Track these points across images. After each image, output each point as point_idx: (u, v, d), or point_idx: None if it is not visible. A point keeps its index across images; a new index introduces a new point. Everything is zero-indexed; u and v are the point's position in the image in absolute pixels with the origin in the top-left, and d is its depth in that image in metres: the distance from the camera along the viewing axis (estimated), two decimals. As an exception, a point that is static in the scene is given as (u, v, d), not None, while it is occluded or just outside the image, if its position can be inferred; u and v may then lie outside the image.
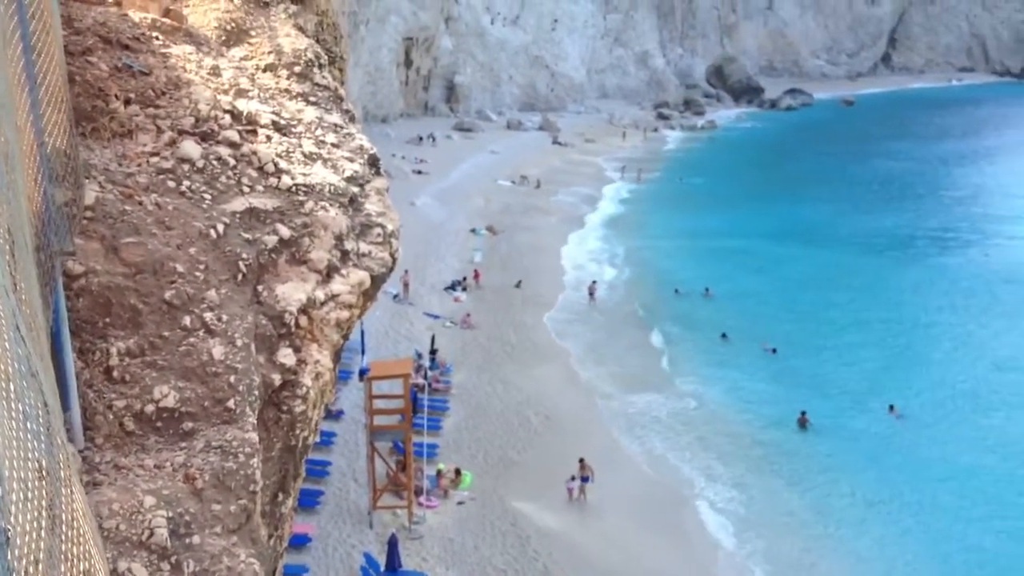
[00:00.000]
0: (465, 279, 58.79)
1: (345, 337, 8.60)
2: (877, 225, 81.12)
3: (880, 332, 53.68)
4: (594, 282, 60.29)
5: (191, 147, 8.39)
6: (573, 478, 33.57)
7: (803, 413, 40.83)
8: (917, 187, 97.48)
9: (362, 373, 29.47)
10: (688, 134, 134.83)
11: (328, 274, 8.37)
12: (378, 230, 9.14)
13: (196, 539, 5.84)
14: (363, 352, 29.16)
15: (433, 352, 44.89)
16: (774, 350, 49.38)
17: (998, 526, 32.98)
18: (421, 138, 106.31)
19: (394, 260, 9.14)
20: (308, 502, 29.54)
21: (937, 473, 36.83)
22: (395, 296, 52.21)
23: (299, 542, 27.41)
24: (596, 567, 29.24)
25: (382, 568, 27.60)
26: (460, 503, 32.53)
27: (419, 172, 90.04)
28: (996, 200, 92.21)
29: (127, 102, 8.76)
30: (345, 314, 8.31)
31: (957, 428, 41.05)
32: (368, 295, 8.75)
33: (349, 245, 8.70)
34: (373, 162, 9.97)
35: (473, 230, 72.83)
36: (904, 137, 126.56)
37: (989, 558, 31.10)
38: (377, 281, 8.84)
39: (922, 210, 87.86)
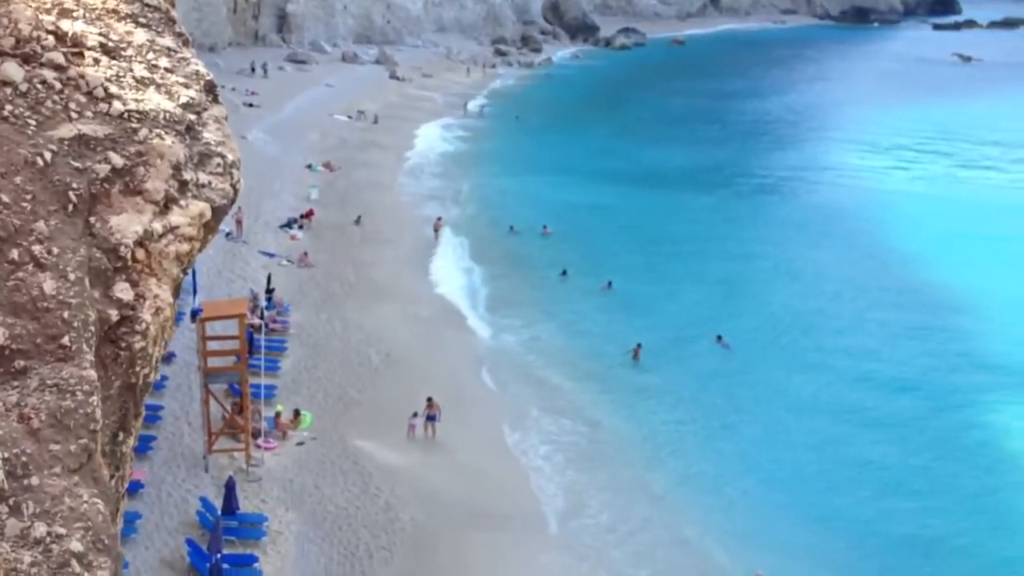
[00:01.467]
0: (302, 216, 57.54)
1: (185, 271, 8.29)
2: (709, 162, 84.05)
3: (711, 266, 55.99)
4: (439, 219, 60.14)
5: (13, 69, 7.78)
6: (415, 415, 33.72)
7: (637, 345, 42.29)
8: (745, 124, 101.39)
9: (194, 314, 28.50)
10: (525, 71, 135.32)
11: (166, 205, 7.99)
12: (218, 160, 8.78)
13: (35, 480, 5.55)
14: (195, 292, 28.22)
15: (269, 291, 43.90)
16: (610, 284, 50.79)
17: (816, 443, 35.22)
18: (253, 69, 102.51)
19: (235, 191, 8.82)
20: (139, 447, 28.58)
21: (761, 396, 39.05)
22: (228, 234, 50.56)
23: (131, 489, 26.52)
24: (440, 500, 29.63)
25: (219, 512, 27.11)
26: (300, 444, 32.21)
27: (251, 105, 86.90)
28: (824, 138, 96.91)
29: (-66, 18, 8.04)
30: (185, 247, 7.99)
31: (779, 354, 43.48)
32: (209, 227, 8.43)
33: (187, 175, 8.32)
34: (210, 89, 9.54)
35: (309, 166, 71.16)
36: (732, 76, 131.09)
37: (810, 472, 33.23)
38: (218, 213, 8.52)
39: (751, 147, 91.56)
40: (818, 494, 31.86)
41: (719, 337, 44.20)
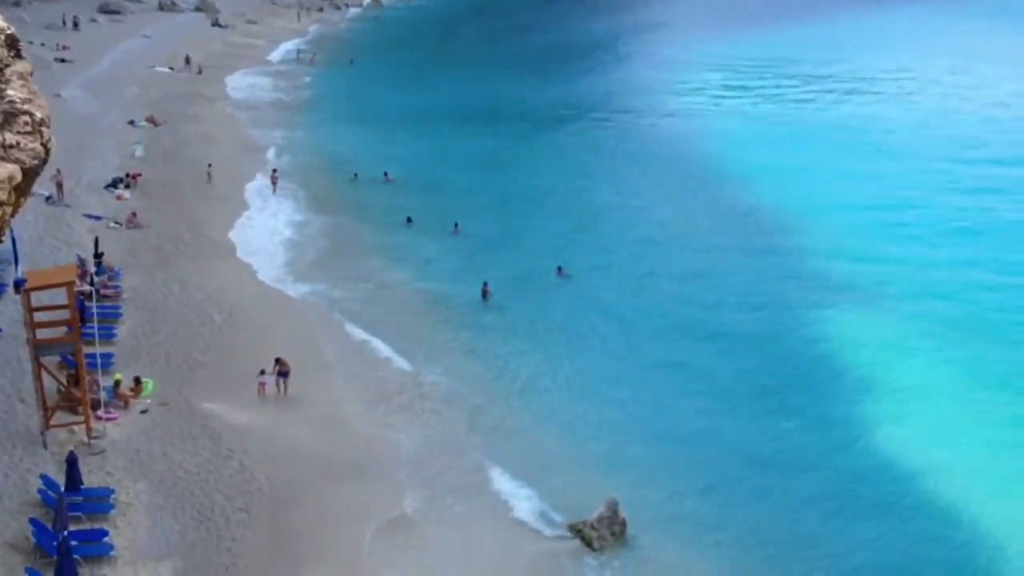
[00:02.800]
0: (128, 175, 54.86)
1: (0, 238, 7.73)
2: (545, 99, 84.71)
3: (552, 200, 56.80)
4: (275, 171, 58.46)
5: None
6: (263, 372, 32.98)
7: (485, 284, 42.62)
8: (580, 60, 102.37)
9: (18, 284, 26.81)
10: (356, 12, 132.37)
11: (-31, 170, 7.40)
12: (25, 118, 8.19)
13: None
14: (16, 262, 26.52)
15: (98, 256, 41.81)
16: (456, 226, 50.83)
17: (655, 363, 36.32)
18: (64, 23, 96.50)
19: (47, 151, 8.26)
20: (-31, 429, 26.97)
21: (600, 321, 40.14)
22: (48, 198, 47.76)
23: (-37, 472, 25.07)
24: (296, 456, 29.19)
25: (63, 488, 25.94)
26: (143, 412, 31.06)
27: (63, 60, 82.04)
28: (656, 67, 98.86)
29: None
30: (-5, 214, 7.44)
31: (618, 281, 44.65)
32: (21, 191, 7.88)
33: (-9, 136, 7.72)
34: (12, 43, 8.86)
35: (131, 122, 67.81)
36: (570, 14, 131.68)
37: (650, 392, 34.30)
38: (30, 174, 7.97)
39: (586, 84, 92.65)
40: (659, 411, 32.92)
41: (559, 268, 45.10)
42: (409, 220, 52.11)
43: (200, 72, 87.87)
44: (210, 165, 57.20)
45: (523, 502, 27.69)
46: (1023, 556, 25.77)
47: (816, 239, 49.72)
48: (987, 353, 36.85)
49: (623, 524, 26.09)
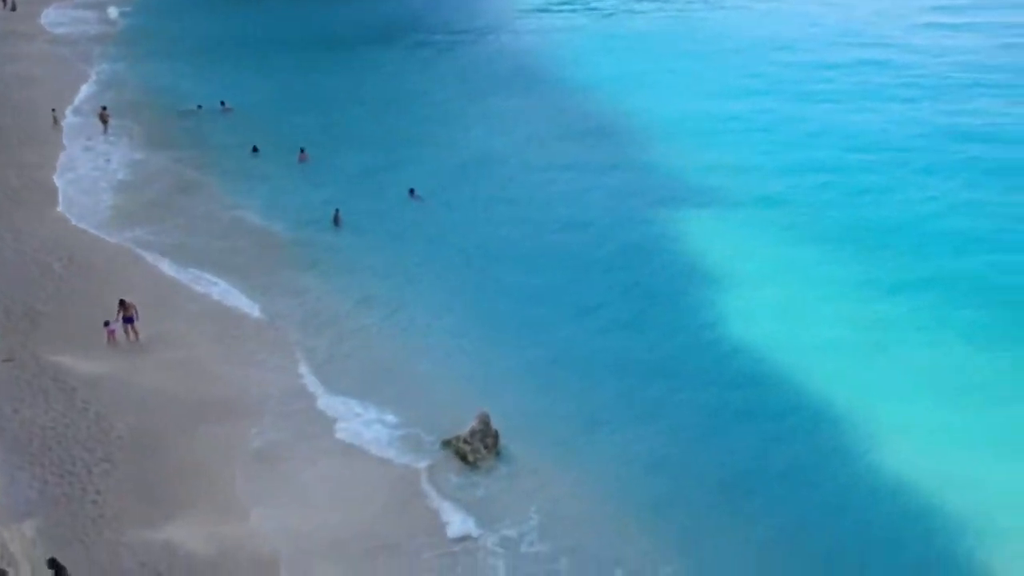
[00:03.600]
0: (-61, 123, 51.09)
1: None
2: (382, 19, 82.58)
3: (401, 122, 55.88)
4: (104, 108, 55.32)
5: None
6: (107, 323, 31.54)
7: (336, 211, 41.86)
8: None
9: None
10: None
11: None
12: None
13: None
14: None
15: (-82, 210, 39.00)
16: (303, 151, 49.56)
17: (510, 284, 36.46)
18: None
19: None
20: None
21: (454, 243, 40.11)
22: None
23: None
24: (158, 401, 28.27)
25: (-94, 457, 24.47)
26: (-13, 369, 29.46)
27: None
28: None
29: None
30: None
31: (470, 202, 44.53)
32: None
33: None
34: None
35: (-60, 66, 62.92)
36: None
37: (507, 309, 34.58)
38: None
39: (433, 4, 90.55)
40: (522, 327, 33.17)
41: (411, 191, 44.66)
42: (255, 150, 50.46)
43: (14, 8, 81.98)
44: (54, 109, 54.06)
45: (391, 428, 27.56)
46: (866, 428, 27.33)
47: (667, 150, 50.36)
48: (832, 251, 38.28)
49: (496, 436, 26.45)
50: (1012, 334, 31.34)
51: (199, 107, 57.63)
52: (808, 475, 25.36)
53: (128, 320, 31.74)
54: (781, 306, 34.04)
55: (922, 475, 24.95)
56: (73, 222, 41.13)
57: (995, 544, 22.52)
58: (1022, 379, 29.08)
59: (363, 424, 27.87)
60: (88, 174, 47.37)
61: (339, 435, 27.38)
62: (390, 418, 27.93)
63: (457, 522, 23.76)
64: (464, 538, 23.25)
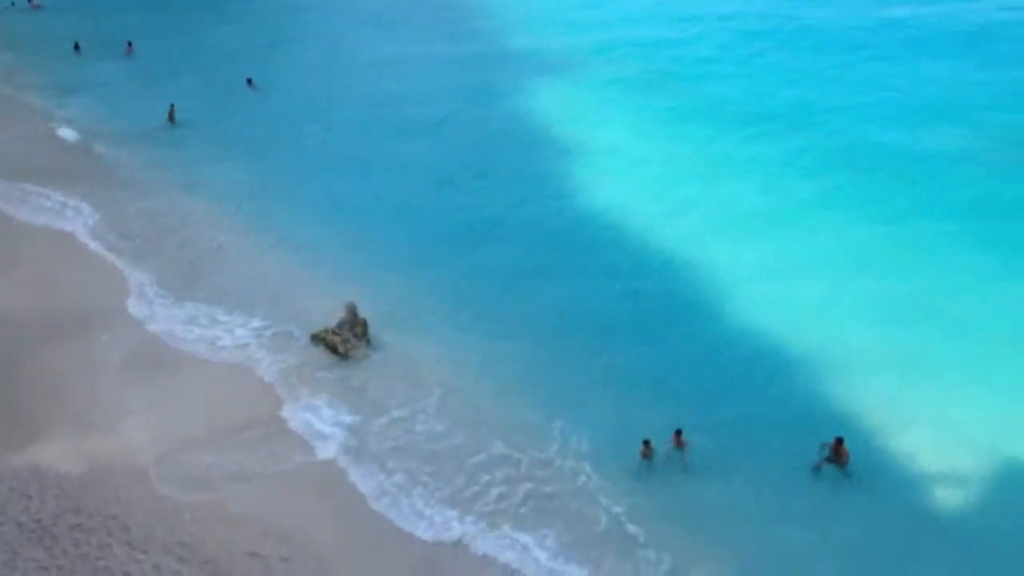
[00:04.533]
0: None
1: None
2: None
3: (232, 8, 53.15)
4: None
5: None
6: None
7: (171, 106, 39.96)
8: None
9: None
10: None
11: None
12: None
13: None
14: None
15: None
16: (129, 44, 46.84)
17: (354, 162, 36.28)
18: None
19: None
20: None
21: (299, 128, 39.38)
22: None
23: None
24: (6, 322, 26.87)
25: None
26: None
27: None
28: None
29: None
30: None
31: (310, 91, 43.38)
32: None
33: None
34: None
35: None
36: None
37: (356, 187, 34.41)
38: None
39: None
40: (374, 208, 33.10)
41: (249, 81, 43.01)
42: (77, 47, 47.21)
43: None
44: None
45: (258, 329, 27.01)
46: (709, 273, 28.63)
47: (515, 19, 49.67)
48: (680, 119, 39.03)
49: (364, 324, 26.33)
50: (845, 196, 32.90)
51: (12, 3, 53.25)
52: (661, 326, 26.41)
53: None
54: (633, 172, 34.75)
55: (764, 320, 26.28)
56: None
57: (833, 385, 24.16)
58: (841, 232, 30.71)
59: (226, 331, 27.15)
60: None
61: (204, 340, 26.67)
62: (255, 322, 27.24)
63: (327, 417, 23.62)
64: (327, 436, 23.00)
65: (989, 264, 27.61)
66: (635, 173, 34.28)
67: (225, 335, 26.90)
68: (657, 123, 38.35)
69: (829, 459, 21.15)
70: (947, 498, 20.46)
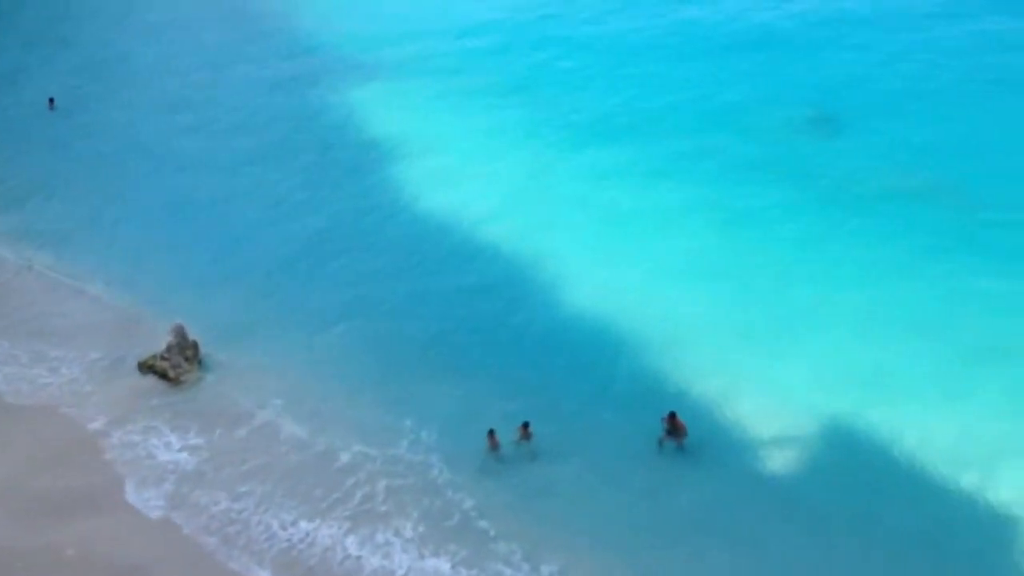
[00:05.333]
0: None
1: None
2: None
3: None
4: None
5: None
6: None
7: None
8: None
9: None
10: None
11: None
12: None
13: None
14: None
15: None
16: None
17: (165, 180, 34.92)
18: None
19: None
20: None
21: (104, 150, 37.66)
22: None
23: None
24: None
25: None
26: None
27: None
28: None
29: None
30: None
31: (111, 117, 41.00)
32: None
33: None
34: None
35: None
36: None
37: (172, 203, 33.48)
38: None
39: None
40: (198, 230, 32.13)
41: (51, 101, 40.97)
42: None
43: None
44: None
45: (81, 363, 25.74)
46: (541, 261, 29.05)
47: (338, 30, 48.37)
48: (500, 108, 39.15)
49: (195, 346, 25.42)
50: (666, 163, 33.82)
51: None
52: (500, 319, 26.70)
53: None
54: (466, 177, 34.34)
55: (600, 306, 26.87)
56: None
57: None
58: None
59: (47, 368, 25.60)
60: None
61: (20, 382, 25.10)
62: (72, 355, 25.90)
63: (160, 448, 22.77)
64: (163, 468, 22.10)
65: (802, 237, 28.81)
66: (468, 178, 33.97)
67: (46, 373, 25.47)
68: (484, 123, 37.95)
69: (668, 433, 21.86)
70: (780, 460, 21.40)
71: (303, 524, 20.41)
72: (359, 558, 19.59)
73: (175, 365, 24.94)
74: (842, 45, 41.65)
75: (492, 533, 19.92)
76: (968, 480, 20.48)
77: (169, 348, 25.16)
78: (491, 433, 21.88)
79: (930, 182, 30.72)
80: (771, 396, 22.98)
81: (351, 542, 19.93)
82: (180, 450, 22.63)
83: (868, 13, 44.52)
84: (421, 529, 20.11)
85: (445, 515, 20.45)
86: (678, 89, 39.02)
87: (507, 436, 21.97)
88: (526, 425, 22.05)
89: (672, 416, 21.77)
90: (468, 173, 34.22)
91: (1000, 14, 41.92)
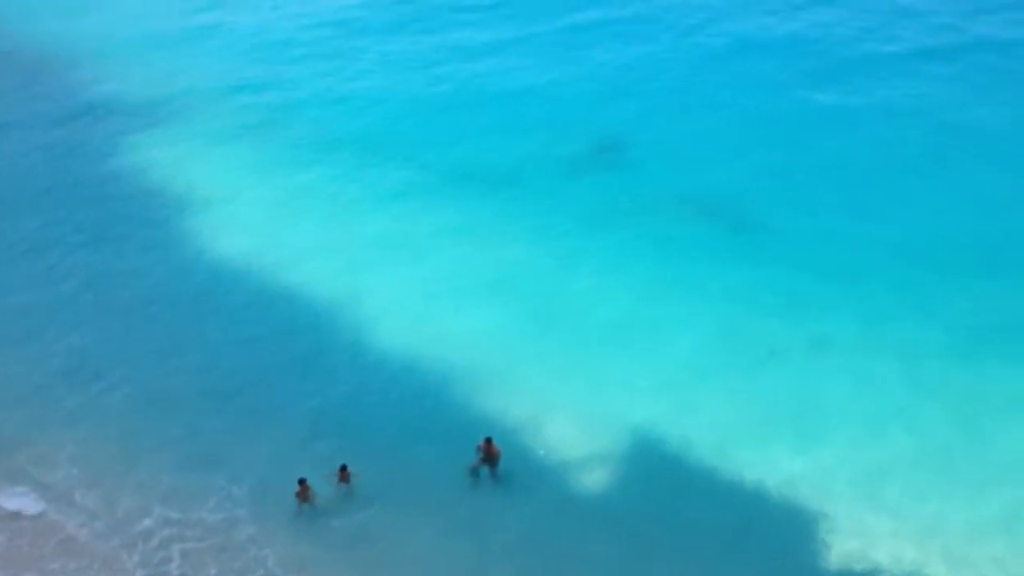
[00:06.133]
0: None
1: None
2: None
3: None
4: None
5: None
6: None
7: None
8: None
9: None
10: None
11: None
12: None
13: None
14: None
15: None
16: None
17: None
18: None
19: None
20: None
21: None
22: None
23: None
24: None
25: None
26: None
27: None
28: None
29: None
30: None
31: None
32: None
33: None
34: None
35: None
36: None
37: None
38: None
39: None
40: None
41: None
42: None
43: None
44: None
45: None
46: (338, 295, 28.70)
47: (117, 73, 46.03)
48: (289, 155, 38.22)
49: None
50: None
51: None
52: (305, 366, 26.05)
53: None
54: (257, 218, 33.28)
55: (408, 341, 26.67)
56: None
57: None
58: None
59: None
60: None
61: None
62: None
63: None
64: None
65: (598, 260, 29.48)
66: (259, 219, 32.88)
67: None
68: (273, 167, 36.49)
69: (483, 460, 21.83)
70: (592, 475, 21.78)
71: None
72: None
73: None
74: (625, 88, 42.49)
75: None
76: (761, 474, 21.45)
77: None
78: (302, 482, 21.23)
79: (706, 206, 31.81)
80: (577, 415, 23.40)
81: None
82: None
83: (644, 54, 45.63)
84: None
85: (246, 574, 19.66)
86: (469, 133, 38.76)
87: (323, 482, 21.39)
88: (344, 468, 21.54)
89: (488, 442, 21.75)
90: (261, 219, 33.12)
91: (772, 57, 43.75)
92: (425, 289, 28.65)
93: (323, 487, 21.39)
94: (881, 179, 32.50)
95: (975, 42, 42.33)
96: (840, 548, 19.81)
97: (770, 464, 21.71)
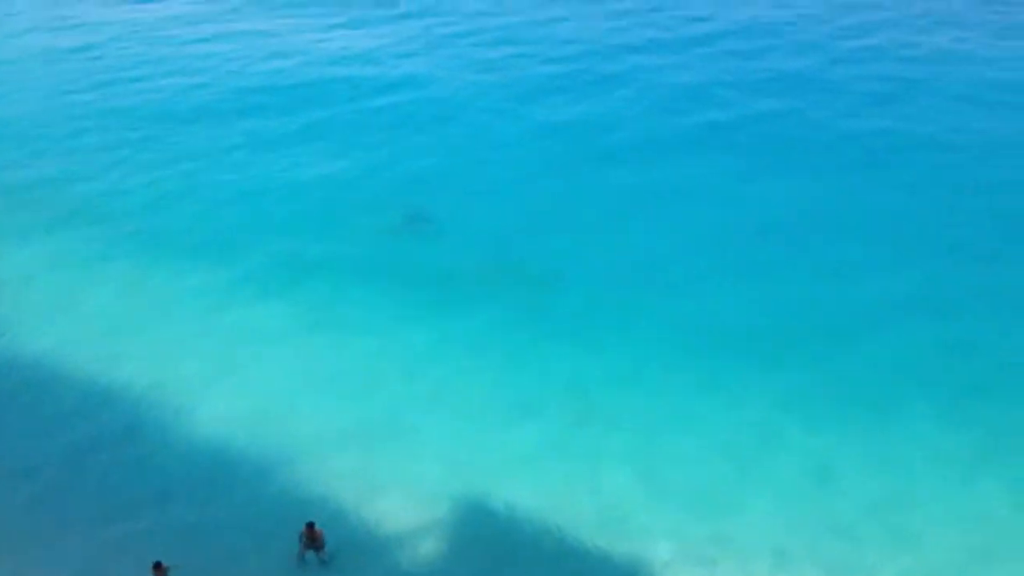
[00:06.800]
0: None
1: None
2: None
3: None
4: None
5: None
6: None
7: None
8: None
9: None
10: None
11: None
12: None
13: None
14: None
15: None
16: None
17: None
18: None
19: None
20: None
21: None
22: None
23: None
24: None
25: None
26: None
27: None
28: None
29: None
30: None
31: None
32: None
33: None
34: None
35: None
36: None
37: None
38: None
39: None
40: None
41: None
42: None
43: None
44: None
45: None
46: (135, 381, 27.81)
47: None
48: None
49: None
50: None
51: None
52: (124, 466, 24.82)
53: None
54: (70, 313, 31.81)
55: (220, 430, 26.02)
56: None
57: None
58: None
59: None
60: None
61: None
62: None
63: None
64: None
65: (411, 334, 29.64)
66: (72, 314, 31.37)
67: None
68: (83, 264, 34.92)
69: (307, 546, 21.49)
70: (420, 549, 21.65)
71: None
72: None
73: None
74: (427, 149, 43.53)
75: None
76: (588, 536, 22.04)
77: None
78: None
79: (510, 268, 32.84)
80: (401, 489, 23.35)
81: None
82: None
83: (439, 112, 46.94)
84: None
85: None
86: (275, 208, 38.69)
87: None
88: (158, 564, 20.66)
89: (310, 526, 21.40)
90: (76, 311, 31.66)
91: (568, 106, 46.15)
92: (244, 377, 27.85)
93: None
94: (668, 254, 33.80)
95: (754, 115, 45.71)
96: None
97: (596, 527, 22.25)
